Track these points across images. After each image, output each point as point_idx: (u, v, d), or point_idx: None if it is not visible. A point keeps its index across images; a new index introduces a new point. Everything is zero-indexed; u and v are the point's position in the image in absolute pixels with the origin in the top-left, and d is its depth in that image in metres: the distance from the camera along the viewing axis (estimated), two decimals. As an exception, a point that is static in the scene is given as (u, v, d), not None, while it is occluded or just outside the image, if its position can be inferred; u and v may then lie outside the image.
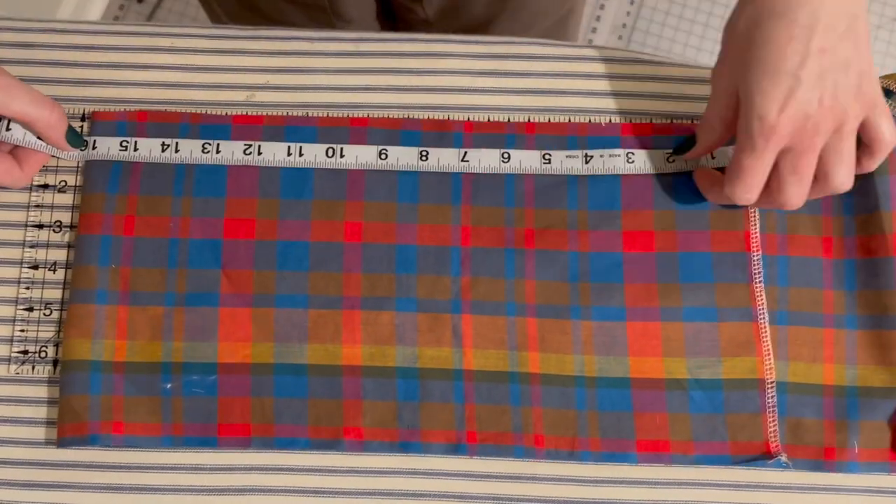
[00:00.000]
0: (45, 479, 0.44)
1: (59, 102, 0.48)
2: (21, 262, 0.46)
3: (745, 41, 0.40)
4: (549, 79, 0.49)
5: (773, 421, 0.44)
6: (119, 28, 0.49)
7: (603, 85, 0.49)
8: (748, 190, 0.41)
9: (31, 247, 0.46)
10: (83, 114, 0.48)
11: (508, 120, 0.48)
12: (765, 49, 0.38)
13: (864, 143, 0.41)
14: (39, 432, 0.45)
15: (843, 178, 0.40)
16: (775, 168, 0.41)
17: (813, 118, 0.38)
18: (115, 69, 0.48)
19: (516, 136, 0.47)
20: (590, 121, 0.48)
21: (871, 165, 0.41)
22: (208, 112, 0.47)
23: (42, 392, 0.45)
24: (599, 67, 0.49)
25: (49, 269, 0.46)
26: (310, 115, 0.48)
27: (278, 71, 0.49)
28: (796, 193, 0.40)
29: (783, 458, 0.43)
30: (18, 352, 0.45)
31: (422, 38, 0.50)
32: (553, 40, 0.50)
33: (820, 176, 0.40)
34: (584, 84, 0.49)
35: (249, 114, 0.48)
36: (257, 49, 0.49)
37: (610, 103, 0.49)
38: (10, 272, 0.46)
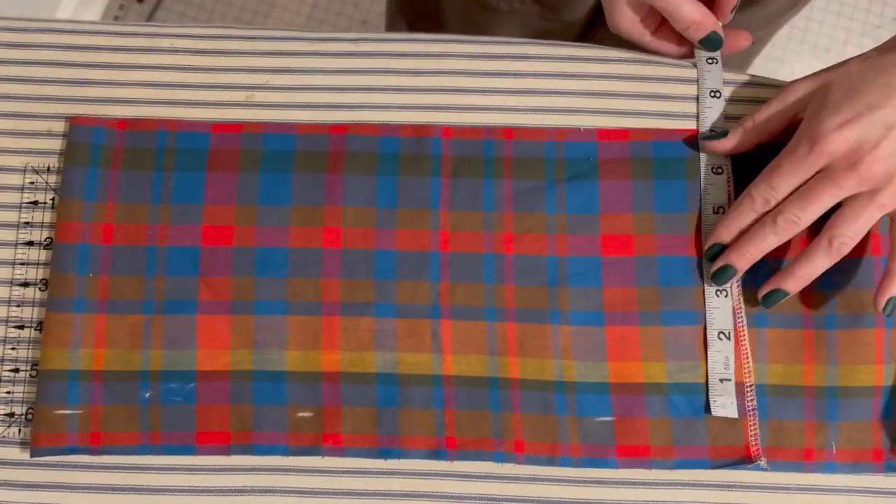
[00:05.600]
0: (42, 479, 0.44)
1: (59, 103, 0.48)
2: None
3: (845, 74, 0.41)
4: (548, 79, 0.49)
5: (755, 424, 0.44)
6: (119, 28, 0.49)
7: (602, 85, 0.49)
8: (770, 189, 0.41)
9: (17, 305, 0.46)
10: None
11: (514, 126, 0.48)
12: (858, 80, 0.40)
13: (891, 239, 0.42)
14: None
15: (843, 234, 0.40)
16: None
17: (860, 152, 0.39)
18: (114, 69, 0.48)
19: (494, 142, 0.47)
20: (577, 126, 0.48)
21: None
22: (191, 120, 0.47)
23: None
24: (599, 68, 0.49)
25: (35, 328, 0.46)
26: (298, 120, 0.48)
27: (278, 71, 0.48)
28: (793, 210, 0.40)
29: (762, 462, 0.43)
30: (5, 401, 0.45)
31: (421, 38, 0.49)
32: (552, 41, 0.50)
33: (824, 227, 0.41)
34: (583, 84, 0.49)
35: (243, 118, 0.48)
36: (257, 49, 0.49)
37: (609, 104, 0.48)
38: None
